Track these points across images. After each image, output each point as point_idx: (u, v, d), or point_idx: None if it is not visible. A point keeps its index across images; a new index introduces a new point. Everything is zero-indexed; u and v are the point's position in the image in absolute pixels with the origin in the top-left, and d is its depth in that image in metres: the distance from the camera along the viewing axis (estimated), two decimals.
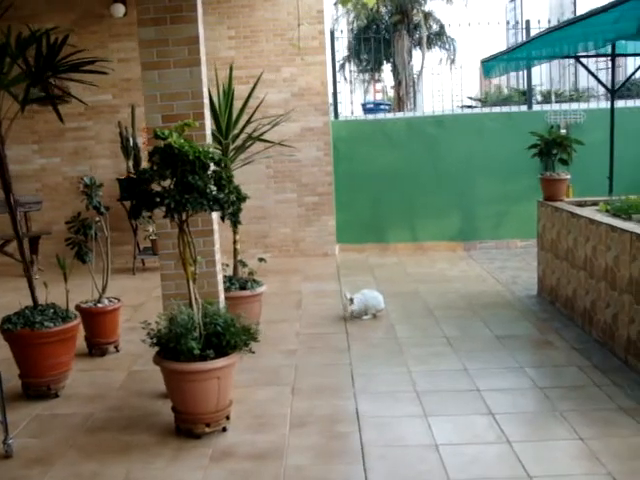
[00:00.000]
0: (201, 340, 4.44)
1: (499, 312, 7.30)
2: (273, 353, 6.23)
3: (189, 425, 4.52)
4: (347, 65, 35.80)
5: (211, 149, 4.92)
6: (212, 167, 4.74)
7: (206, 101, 5.02)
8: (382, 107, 26.24)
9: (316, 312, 7.54)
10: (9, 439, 4.44)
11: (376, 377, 5.57)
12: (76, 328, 5.50)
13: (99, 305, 6.38)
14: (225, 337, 4.43)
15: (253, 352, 4.66)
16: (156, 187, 4.32)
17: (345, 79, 35.41)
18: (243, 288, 6.48)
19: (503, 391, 5.15)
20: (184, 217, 4.35)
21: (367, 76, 36.19)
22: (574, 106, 11.15)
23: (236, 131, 6.48)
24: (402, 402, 5.03)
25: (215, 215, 5.04)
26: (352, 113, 12.50)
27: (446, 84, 11.93)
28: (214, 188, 4.25)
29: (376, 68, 35.51)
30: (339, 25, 32.84)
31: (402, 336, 6.58)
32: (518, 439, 4.33)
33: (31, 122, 10.42)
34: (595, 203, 7.38)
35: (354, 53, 32.83)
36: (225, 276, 6.60)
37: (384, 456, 4.19)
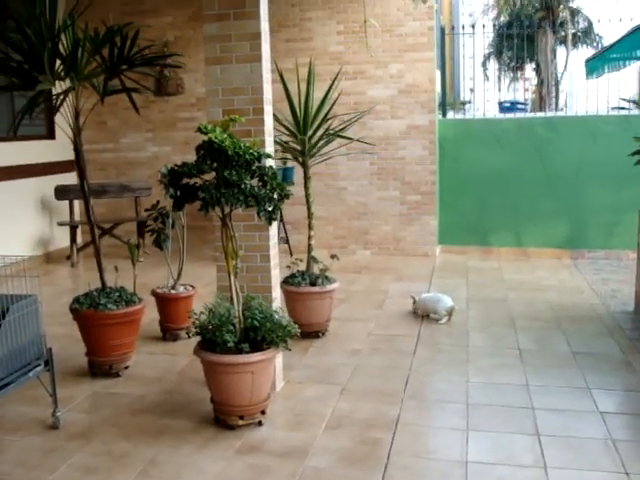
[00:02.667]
0: (237, 333, 4.47)
1: (585, 327, 6.94)
2: (337, 351, 6.21)
3: (224, 416, 4.57)
4: (487, 62, 35.22)
5: (267, 146, 4.96)
6: (268, 162, 4.77)
7: (266, 96, 5.03)
8: (519, 106, 25.54)
9: (395, 313, 7.43)
10: (57, 412, 4.65)
11: (431, 385, 5.45)
12: (139, 312, 5.66)
13: (173, 291, 6.56)
14: (261, 332, 4.45)
15: (289, 349, 4.65)
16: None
17: (486, 76, 34.85)
18: (313, 284, 6.47)
19: (558, 412, 4.88)
20: (226, 211, 4.39)
21: (509, 74, 35.39)
22: None
23: (314, 127, 6.45)
24: (448, 413, 4.88)
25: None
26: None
27: (599, 84, 11.29)
28: (252, 183, 4.25)
29: (518, 66, 34.61)
30: (481, 20, 32.24)
31: (474, 344, 6.39)
32: (556, 465, 4.08)
33: (147, 111, 10.82)
34: None
35: (496, 50, 32.22)
36: (298, 271, 6.63)
37: (407, 467, 4.08)
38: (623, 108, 17.18)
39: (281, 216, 9.90)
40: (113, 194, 10.51)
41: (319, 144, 6.52)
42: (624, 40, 6.36)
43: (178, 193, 4.32)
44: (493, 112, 17.25)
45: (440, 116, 10.69)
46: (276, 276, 5.30)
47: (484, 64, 36.52)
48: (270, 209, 4.23)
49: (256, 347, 4.48)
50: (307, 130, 6.39)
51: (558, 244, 10.33)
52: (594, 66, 7.54)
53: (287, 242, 10.20)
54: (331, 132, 6.50)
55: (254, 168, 4.34)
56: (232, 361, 4.40)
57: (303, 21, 10.31)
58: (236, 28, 4.95)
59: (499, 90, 34.73)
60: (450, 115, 12.78)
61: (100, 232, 10.31)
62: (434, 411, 4.97)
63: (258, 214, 4.25)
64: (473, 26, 11.64)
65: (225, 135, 4.21)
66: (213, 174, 4.39)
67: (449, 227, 10.51)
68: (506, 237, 10.50)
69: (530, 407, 4.94)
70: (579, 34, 33.36)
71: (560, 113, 10.76)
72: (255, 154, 4.22)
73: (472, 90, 32.58)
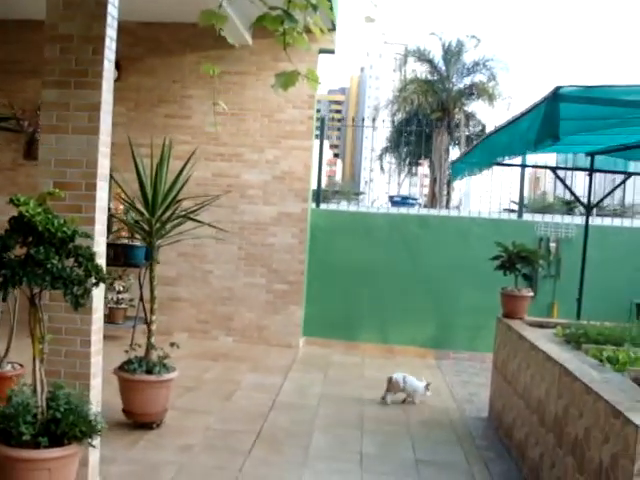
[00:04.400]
0: (37, 425, 4.05)
1: (435, 433, 6.77)
2: (167, 446, 5.79)
3: None
4: (384, 156, 36.08)
5: (97, 224, 4.65)
6: (98, 243, 4.46)
7: (102, 171, 4.75)
8: (409, 201, 26.09)
9: (242, 407, 7.08)
10: None
11: None
12: None
13: None
14: (62, 425, 4.04)
15: (94, 446, 4.25)
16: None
17: (382, 169, 35.65)
18: (150, 372, 6.07)
19: None
20: (35, 290, 4.03)
21: (405, 169, 36.28)
22: (567, 219, 10.73)
23: (163, 208, 6.15)
24: None
25: (97, 292, 4.69)
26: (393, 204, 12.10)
27: (493, 186, 11.55)
28: (66, 263, 3.92)
29: (414, 162, 35.55)
30: (382, 115, 33.14)
31: (315, 446, 6.08)
32: None
33: (14, 174, 10.37)
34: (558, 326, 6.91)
35: (393, 145, 32.99)
36: (135, 357, 6.24)
37: None
38: (514, 211, 17.74)
39: (141, 296, 9.49)
40: None
41: (167, 226, 6.22)
42: (479, 146, 6.44)
43: None
44: (386, 205, 17.46)
45: (313, 205, 10.59)
46: (97, 363, 4.91)
47: (381, 157, 37.42)
48: (79, 293, 3.89)
49: (60, 442, 4.06)
50: (156, 210, 6.10)
51: (423, 343, 10.27)
52: (457, 169, 7.62)
53: (146, 323, 9.73)
54: (181, 214, 6.23)
55: (70, 247, 4.00)
56: (25, 456, 3.95)
57: (184, 98, 10.15)
58: (75, 97, 4.68)
59: (398, 184, 35.56)
60: (339, 205, 12.78)
61: None
62: None
63: (65, 297, 3.90)
64: (374, 120, 11.77)
65: (39, 209, 3.88)
66: None
67: (315, 319, 10.30)
68: (372, 333, 10.37)
69: None
70: (472, 137, 34.56)
71: (433, 211, 10.90)
72: (68, 232, 3.90)
73: (367, 182, 33.26)
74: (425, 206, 30.89)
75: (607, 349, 5.57)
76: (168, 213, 6.14)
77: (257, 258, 10.10)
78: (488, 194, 12.56)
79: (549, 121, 3.63)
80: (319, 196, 10.84)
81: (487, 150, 6.07)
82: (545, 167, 8.00)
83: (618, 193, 14.94)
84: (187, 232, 6.44)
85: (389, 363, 9.72)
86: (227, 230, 8.05)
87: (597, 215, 12.49)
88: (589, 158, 7.84)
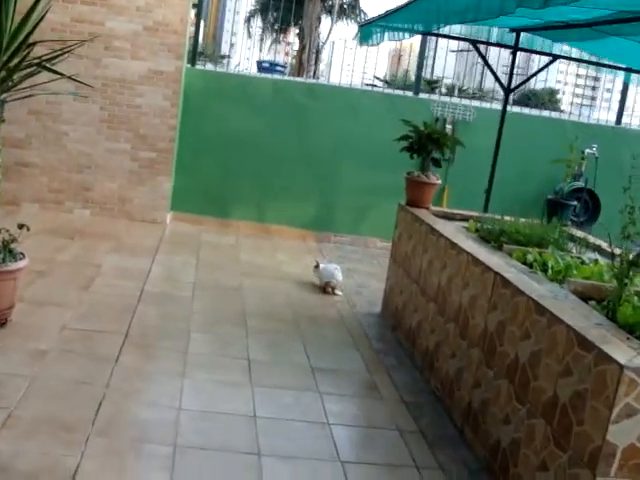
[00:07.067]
0: None
1: (327, 332, 6.00)
2: (15, 352, 4.66)
3: None
4: (252, 20, 34.26)
5: None
6: None
7: None
8: (278, 68, 24.77)
9: (105, 298, 5.96)
10: None
11: (130, 412, 4.10)
12: None
13: None
14: None
15: None
16: None
17: (249, 33, 33.81)
18: None
19: (291, 460, 3.82)
20: None
21: (272, 35, 34.68)
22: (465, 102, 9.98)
23: (10, 53, 4.77)
24: (146, 461, 3.64)
25: None
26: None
27: (356, 59, 10.65)
28: None
29: (283, 28, 33.88)
30: None
31: (194, 351, 5.14)
32: None
33: None
34: (466, 218, 6.17)
35: (262, 8, 31.18)
36: None
37: None
38: (375, 86, 17.00)
39: None
40: None
41: (15, 76, 4.86)
42: (410, 7, 5.39)
43: None
44: (252, 70, 16.17)
45: (189, 65, 9.20)
46: None
47: (249, 20, 35.45)
48: None
49: None
50: (1, 55, 4.71)
51: (303, 224, 9.38)
52: (368, 32, 6.56)
53: None
54: (34, 62, 4.87)
55: None
56: None
57: None
58: None
59: (260, 50, 33.85)
60: (207, 67, 11.33)
61: None
62: (127, 458, 3.63)
63: None
64: None
65: None
66: None
67: (185, 192, 9.09)
68: (248, 210, 9.34)
69: (256, 452, 3.84)
70: (345, 7, 33.19)
71: (320, 80, 9.82)
72: None
73: (232, 45, 31.49)
74: (292, 74, 29.57)
75: (532, 252, 4.90)
76: (17, 59, 4.77)
77: (122, 121, 8.67)
78: (350, 67, 11.75)
79: None
80: (195, 54, 9.39)
81: (429, 12, 4.99)
82: (465, 39, 7.10)
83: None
84: (40, 86, 5.10)
85: (266, 244, 8.85)
86: (91, 85, 6.65)
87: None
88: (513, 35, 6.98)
